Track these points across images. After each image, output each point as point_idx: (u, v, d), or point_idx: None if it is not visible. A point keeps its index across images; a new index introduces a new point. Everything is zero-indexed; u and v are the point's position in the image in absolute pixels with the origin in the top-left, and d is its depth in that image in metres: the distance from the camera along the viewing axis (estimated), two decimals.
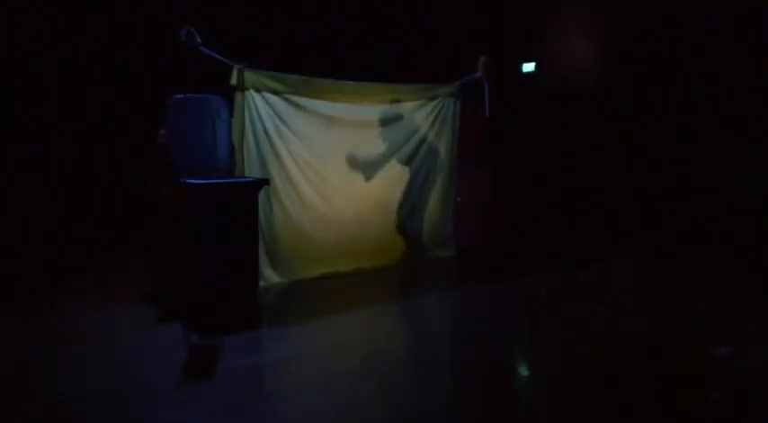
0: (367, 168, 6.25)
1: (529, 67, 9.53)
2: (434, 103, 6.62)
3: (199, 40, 4.74)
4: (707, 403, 2.92)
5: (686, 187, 7.73)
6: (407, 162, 6.52)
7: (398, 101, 6.39)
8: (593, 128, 8.68)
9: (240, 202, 4.31)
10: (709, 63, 7.54)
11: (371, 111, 6.22)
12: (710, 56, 7.54)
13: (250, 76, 5.22)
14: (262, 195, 4.82)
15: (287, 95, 5.54)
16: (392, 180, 6.44)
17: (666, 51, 7.98)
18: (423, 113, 6.57)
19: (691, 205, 7.54)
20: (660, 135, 8.09)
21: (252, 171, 5.21)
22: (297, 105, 5.64)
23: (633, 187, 8.28)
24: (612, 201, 8.20)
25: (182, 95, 4.56)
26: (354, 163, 6.13)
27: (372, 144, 6.27)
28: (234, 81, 5.13)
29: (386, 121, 6.34)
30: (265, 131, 5.38)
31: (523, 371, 3.92)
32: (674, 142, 7.93)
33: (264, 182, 4.68)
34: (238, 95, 5.17)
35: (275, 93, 5.44)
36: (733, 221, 6.90)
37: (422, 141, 6.59)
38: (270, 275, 5.44)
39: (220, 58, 4.98)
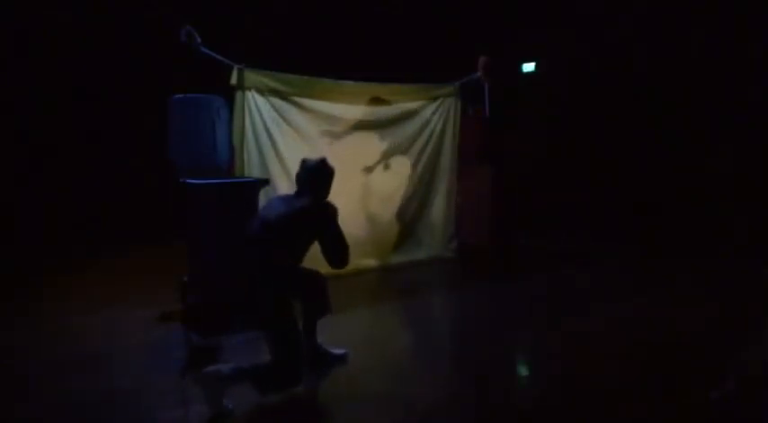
0: (368, 169, 6.25)
1: (529, 67, 9.54)
2: (435, 103, 6.61)
3: (199, 40, 4.74)
4: (708, 403, 2.92)
5: (683, 189, 7.74)
6: (409, 162, 6.51)
7: (399, 101, 6.39)
8: (592, 128, 8.70)
9: (240, 202, 4.30)
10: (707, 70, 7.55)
11: (372, 111, 6.21)
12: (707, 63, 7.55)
13: (250, 76, 5.21)
14: (262, 195, 4.82)
15: (287, 95, 5.53)
16: (393, 181, 6.43)
17: (663, 54, 7.98)
18: (424, 114, 6.56)
19: (688, 206, 7.56)
20: (658, 137, 8.10)
21: (252, 171, 5.20)
22: (297, 105, 5.63)
23: (632, 187, 8.29)
24: (612, 200, 8.21)
25: (182, 95, 4.56)
26: (355, 163, 6.11)
27: (373, 144, 6.27)
28: (234, 81, 5.13)
29: (386, 122, 6.33)
30: (266, 131, 5.37)
31: (526, 370, 3.92)
32: (671, 144, 7.95)
33: (265, 182, 4.68)
34: (238, 95, 5.16)
35: (275, 92, 5.43)
36: (729, 223, 6.92)
37: (423, 142, 6.58)
38: None
39: (220, 58, 4.98)
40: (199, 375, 2.98)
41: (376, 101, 6.22)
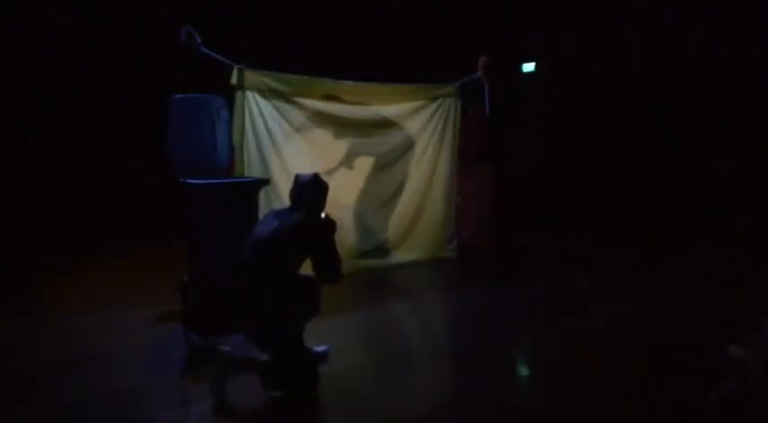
0: (368, 169, 6.25)
1: (529, 67, 9.53)
2: (435, 103, 6.62)
3: (199, 40, 4.74)
4: (707, 403, 2.92)
5: (683, 189, 7.74)
6: (409, 162, 6.52)
7: (399, 101, 6.39)
8: (593, 129, 8.69)
9: (240, 202, 4.30)
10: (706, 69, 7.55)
11: (372, 111, 6.22)
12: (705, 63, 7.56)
13: (250, 76, 5.22)
14: (262, 195, 4.82)
15: (287, 95, 5.54)
16: (394, 180, 6.44)
17: (663, 54, 7.98)
18: (424, 114, 6.57)
19: (688, 206, 7.56)
20: (658, 137, 8.10)
21: (252, 171, 5.21)
22: (297, 105, 5.64)
23: (632, 187, 8.29)
24: (612, 200, 8.21)
25: (182, 95, 4.57)
26: (355, 163, 6.13)
27: (373, 144, 6.27)
28: (234, 81, 5.14)
29: (387, 122, 6.34)
30: (266, 131, 5.38)
31: (526, 370, 3.92)
32: (671, 144, 7.94)
33: (265, 182, 4.68)
34: (238, 95, 5.17)
35: (275, 92, 5.44)
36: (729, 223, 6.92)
37: (423, 142, 6.59)
38: None
39: (220, 58, 4.98)
40: (215, 353, 3.07)
41: (376, 101, 6.23)
